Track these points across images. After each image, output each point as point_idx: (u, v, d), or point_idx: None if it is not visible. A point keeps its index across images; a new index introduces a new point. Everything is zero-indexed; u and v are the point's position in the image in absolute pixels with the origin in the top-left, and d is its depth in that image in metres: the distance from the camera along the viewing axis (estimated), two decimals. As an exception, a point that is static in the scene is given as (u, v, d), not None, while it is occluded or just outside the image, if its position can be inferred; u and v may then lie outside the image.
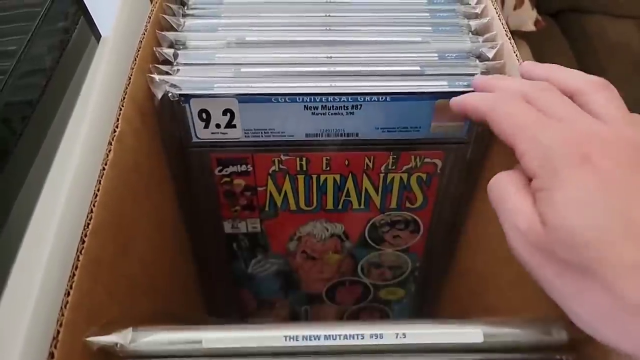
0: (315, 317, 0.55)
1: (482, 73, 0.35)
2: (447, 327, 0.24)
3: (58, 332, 0.23)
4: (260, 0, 0.40)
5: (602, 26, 1.26)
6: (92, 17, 0.35)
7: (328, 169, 0.39)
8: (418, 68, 0.35)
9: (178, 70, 0.34)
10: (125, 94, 0.32)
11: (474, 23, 0.38)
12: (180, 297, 0.42)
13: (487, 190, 0.26)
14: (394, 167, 0.39)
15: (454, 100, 0.31)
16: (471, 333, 0.24)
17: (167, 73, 0.34)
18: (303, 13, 0.39)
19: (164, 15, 0.37)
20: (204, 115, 0.34)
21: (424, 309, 0.54)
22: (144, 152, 0.33)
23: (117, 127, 0.30)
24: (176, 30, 0.37)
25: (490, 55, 0.36)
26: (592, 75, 0.27)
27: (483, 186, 0.37)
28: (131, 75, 0.33)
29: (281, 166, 0.38)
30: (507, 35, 0.36)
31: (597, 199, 0.21)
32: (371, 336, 0.23)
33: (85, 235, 0.26)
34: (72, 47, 0.33)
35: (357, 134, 0.36)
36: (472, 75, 0.35)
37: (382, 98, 0.34)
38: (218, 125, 0.35)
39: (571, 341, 0.25)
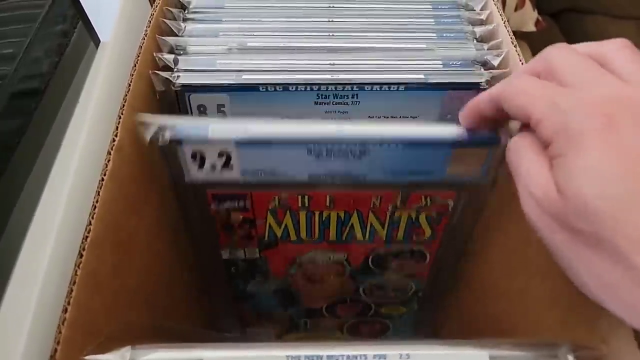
0: (314, 328, 0.54)
1: (487, 81, 0.34)
2: (452, 348, 0.24)
3: (55, 350, 0.23)
4: (262, 4, 0.39)
5: (603, 27, 1.25)
6: (91, 21, 0.34)
7: (332, 206, 0.37)
8: (422, 76, 0.35)
9: (178, 76, 0.34)
10: (125, 102, 0.31)
11: (479, 30, 0.38)
12: (179, 310, 0.41)
13: (505, 153, 0.25)
14: (403, 206, 0.37)
15: (462, 112, 0.29)
16: (477, 355, 0.23)
17: (167, 80, 0.33)
18: (305, 18, 0.38)
19: (165, 20, 0.36)
20: (197, 157, 0.31)
21: (426, 321, 0.53)
22: (144, 161, 0.33)
23: (116, 136, 0.29)
24: (177, 35, 0.36)
25: (496, 63, 0.36)
26: (609, 40, 0.24)
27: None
28: (131, 82, 0.32)
29: (282, 202, 0.36)
30: (512, 43, 0.36)
31: (617, 167, 0.20)
32: (374, 357, 0.23)
33: (84, 249, 0.25)
34: (71, 52, 0.32)
35: (365, 177, 0.33)
36: (477, 83, 0.34)
37: (393, 145, 0.30)
38: (213, 167, 0.31)
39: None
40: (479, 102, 0.27)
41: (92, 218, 0.26)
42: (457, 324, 0.49)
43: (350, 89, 0.35)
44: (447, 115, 0.37)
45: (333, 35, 0.37)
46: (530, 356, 0.24)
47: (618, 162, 0.20)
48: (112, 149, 0.29)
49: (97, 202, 0.27)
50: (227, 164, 0.31)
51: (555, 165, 0.22)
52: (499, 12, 0.39)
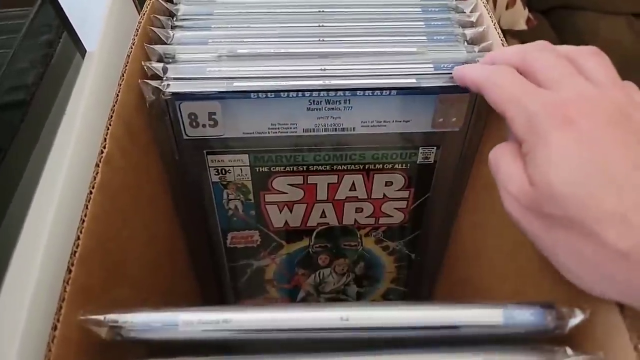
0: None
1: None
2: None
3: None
4: (251, 10, 0.39)
5: (594, 23, 1.25)
6: (76, 31, 0.33)
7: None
8: (414, 80, 0.35)
9: (168, 85, 0.33)
10: (113, 112, 0.31)
11: (469, 32, 0.38)
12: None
13: (488, 162, 0.28)
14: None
15: (456, 70, 0.32)
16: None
17: (156, 88, 0.33)
18: (295, 23, 0.38)
19: (152, 28, 0.36)
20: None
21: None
22: (133, 170, 0.32)
23: (104, 147, 0.29)
24: (165, 43, 0.36)
25: (487, 65, 0.35)
26: (583, 46, 0.28)
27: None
28: (118, 92, 0.32)
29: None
30: (502, 45, 0.35)
31: (577, 155, 0.22)
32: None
33: (72, 265, 0.25)
34: (56, 63, 0.32)
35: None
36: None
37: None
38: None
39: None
40: (465, 77, 0.31)
41: (81, 232, 0.26)
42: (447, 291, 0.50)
43: (342, 94, 0.35)
44: (440, 119, 0.37)
45: (323, 40, 0.37)
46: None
47: (578, 152, 0.23)
48: (100, 161, 0.28)
49: (85, 215, 0.26)
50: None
51: (526, 160, 0.25)
52: (488, 13, 0.38)
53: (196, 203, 0.42)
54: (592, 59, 0.27)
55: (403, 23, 0.39)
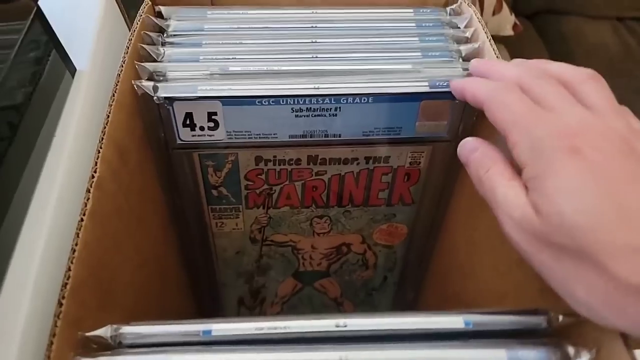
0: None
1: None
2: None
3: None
4: (243, 25, 0.38)
5: (579, 27, 1.26)
6: (66, 49, 0.33)
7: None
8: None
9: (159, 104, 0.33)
10: (104, 134, 0.30)
11: (464, 48, 0.37)
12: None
13: (476, 183, 0.27)
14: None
15: (454, 83, 0.32)
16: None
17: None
18: (289, 39, 0.37)
19: (143, 45, 0.35)
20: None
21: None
22: (124, 193, 0.32)
23: (95, 172, 0.28)
24: (156, 61, 0.35)
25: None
26: (580, 67, 0.27)
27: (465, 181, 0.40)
28: (109, 113, 0.31)
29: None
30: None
31: (588, 186, 0.22)
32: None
33: (63, 297, 0.24)
34: (45, 82, 0.31)
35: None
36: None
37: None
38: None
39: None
40: (465, 90, 0.30)
41: (72, 262, 0.25)
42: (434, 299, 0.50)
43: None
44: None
45: (317, 58, 0.36)
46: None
47: (589, 182, 0.22)
48: (91, 185, 0.28)
49: (76, 244, 0.25)
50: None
51: (531, 188, 0.24)
52: (483, 29, 0.38)
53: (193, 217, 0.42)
54: (588, 83, 0.26)
55: (397, 39, 0.38)
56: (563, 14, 1.30)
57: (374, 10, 0.40)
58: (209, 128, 0.35)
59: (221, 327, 0.25)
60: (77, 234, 0.26)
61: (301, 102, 0.34)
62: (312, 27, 0.39)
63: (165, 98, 0.33)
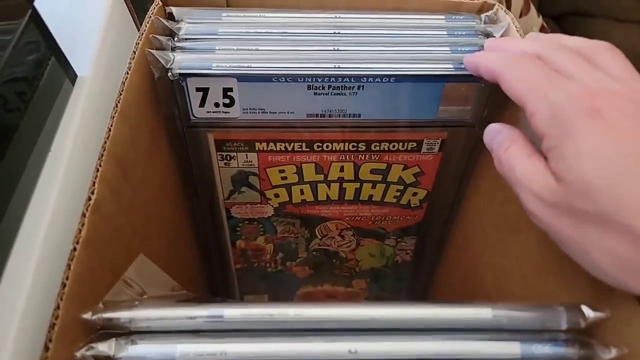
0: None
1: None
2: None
3: None
4: (260, 30, 0.35)
5: (606, 30, 1.22)
6: (67, 53, 0.30)
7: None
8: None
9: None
10: (104, 150, 0.27)
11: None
12: None
13: (497, 165, 0.27)
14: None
15: (467, 58, 0.31)
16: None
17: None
18: (308, 47, 0.34)
19: (151, 50, 0.32)
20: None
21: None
22: (126, 213, 0.29)
23: (92, 192, 0.26)
24: (164, 67, 0.32)
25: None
26: (597, 40, 0.27)
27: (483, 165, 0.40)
28: (111, 125, 0.28)
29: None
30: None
31: (609, 149, 0.22)
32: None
33: (50, 340, 0.21)
34: (42, 90, 0.28)
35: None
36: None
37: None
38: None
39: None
40: (479, 64, 0.30)
41: (61, 299, 0.22)
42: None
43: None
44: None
45: (339, 68, 0.33)
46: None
47: (610, 145, 0.22)
48: (87, 209, 0.25)
49: (67, 278, 0.23)
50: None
51: (550, 157, 0.24)
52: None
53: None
54: (606, 54, 0.26)
55: (426, 48, 0.35)
56: (589, 17, 1.26)
57: (402, 16, 0.37)
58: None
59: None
60: (69, 266, 0.23)
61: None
62: (335, 33, 0.35)
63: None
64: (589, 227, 0.22)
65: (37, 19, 0.27)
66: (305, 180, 0.41)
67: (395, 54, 0.34)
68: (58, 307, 0.22)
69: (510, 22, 0.36)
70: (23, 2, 0.26)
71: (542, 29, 1.09)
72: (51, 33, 0.28)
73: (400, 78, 0.33)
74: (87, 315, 0.23)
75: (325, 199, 0.43)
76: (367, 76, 0.33)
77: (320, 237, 0.48)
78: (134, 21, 0.37)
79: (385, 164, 0.40)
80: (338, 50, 0.34)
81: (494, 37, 0.36)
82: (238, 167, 0.39)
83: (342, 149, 0.38)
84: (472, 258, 0.44)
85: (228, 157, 0.38)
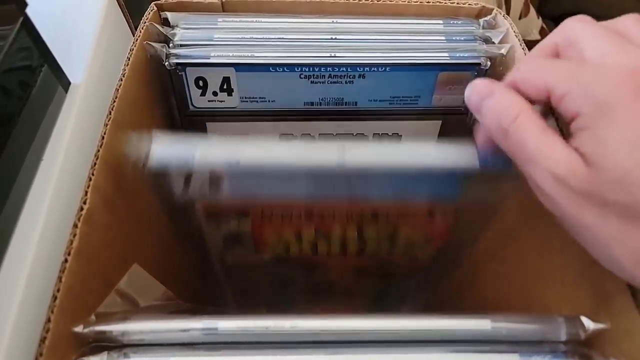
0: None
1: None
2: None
3: None
4: (256, 36, 0.35)
5: (607, 32, 1.22)
6: (61, 59, 0.29)
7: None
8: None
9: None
10: (97, 159, 0.27)
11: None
12: None
13: (497, 136, 0.24)
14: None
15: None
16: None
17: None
18: (304, 53, 0.34)
19: (150, 43, 0.32)
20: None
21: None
22: (119, 224, 0.29)
23: (85, 202, 0.25)
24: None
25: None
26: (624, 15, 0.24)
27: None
28: (104, 133, 0.28)
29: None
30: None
31: None
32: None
33: (41, 354, 0.21)
34: (34, 98, 0.28)
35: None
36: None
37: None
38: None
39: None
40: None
41: (52, 312, 0.22)
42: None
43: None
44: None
45: (335, 57, 0.33)
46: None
47: None
48: (79, 219, 0.25)
49: (58, 290, 0.22)
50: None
51: (582, 137, 0.21)
52: (520, 45, 0.34)
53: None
54: (638, 27, 0.23)
55: (424, 54, 0.35)
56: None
57: (400, 21, 0.37)
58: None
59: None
60: (60, 278, 0.23)
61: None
62: (332, 38, 0.35)
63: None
64: (612, 218, 0.20)
65: (28, 26, 0.27)
66: (304, 242, 0.41)
67: (392, 60, 0.34)
68: (49, 320, 0.22)
69: (509, 27, 0.36)
70: (14, 8, 0.25)
71: (542, 31, 1.09)
72: (43, 40, 0.28)
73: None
74: (78, 329, 0.23)
75: (326, 253, 0.43)
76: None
77: (319, 274, 0.48)
78: (129, 25, 0.37)
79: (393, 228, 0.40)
80: (335, 56, 0.34)
81: (493, 42, 0.36)
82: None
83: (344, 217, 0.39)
84: (473, 265, 0.44)
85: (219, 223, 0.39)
